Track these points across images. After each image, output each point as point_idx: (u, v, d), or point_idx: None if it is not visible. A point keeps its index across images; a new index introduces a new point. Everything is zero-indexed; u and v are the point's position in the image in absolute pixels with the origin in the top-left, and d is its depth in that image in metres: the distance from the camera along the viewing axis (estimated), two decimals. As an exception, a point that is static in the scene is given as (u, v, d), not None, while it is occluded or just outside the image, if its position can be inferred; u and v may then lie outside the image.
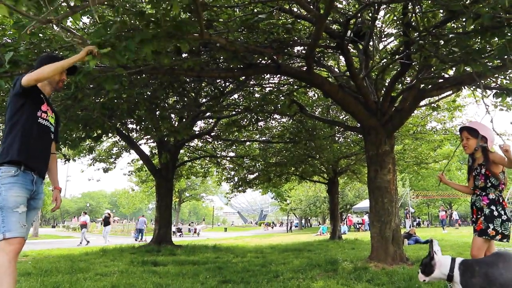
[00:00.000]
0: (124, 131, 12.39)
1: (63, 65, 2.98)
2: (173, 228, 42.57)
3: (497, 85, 7.34)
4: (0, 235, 2.74)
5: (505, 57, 4.89)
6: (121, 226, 41.90)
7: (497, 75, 6.97)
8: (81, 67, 4.21)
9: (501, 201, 3.61)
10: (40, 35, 4.78)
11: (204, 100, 10.78)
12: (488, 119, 3.94)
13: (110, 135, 13.40)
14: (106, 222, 20.22)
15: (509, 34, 4.36)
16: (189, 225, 43.04)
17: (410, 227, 26.21)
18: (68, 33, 3.98)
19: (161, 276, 5.84)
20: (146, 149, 19.58)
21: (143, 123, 9.22)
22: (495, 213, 3.56)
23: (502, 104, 7.84)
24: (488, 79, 7.24)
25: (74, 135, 8.45)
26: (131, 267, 7.06)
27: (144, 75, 7.11)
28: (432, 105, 9.48)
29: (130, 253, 10.36)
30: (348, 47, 7.05)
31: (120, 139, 15.03)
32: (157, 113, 8.80)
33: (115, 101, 7.47)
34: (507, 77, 7.36)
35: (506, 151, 3.36)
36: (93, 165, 17.01)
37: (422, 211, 49.68)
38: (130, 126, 11.55)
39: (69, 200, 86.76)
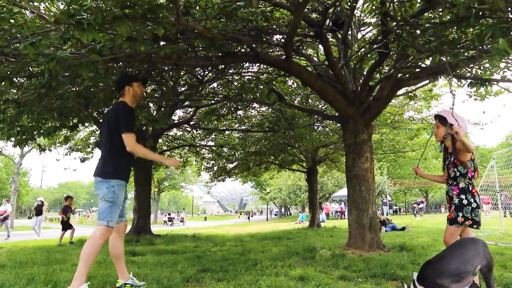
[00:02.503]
0: (101, 120, 12.18)
1: (151, 156, 4.13)
2: (165, 218, 42.65)
3: (472, 75, 7.47)
4: (105, 222, 3.71)
5: (479, 47, 4.98)
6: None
7: (471, 65, 7.10)
8: (54, 54, 4.12)
9: (470, 189, 3.72)
10: (12, 20, 4.63)
11: (182, 89, 10.67)
12: (461, 108, 4.02)
13: (86, 124, 13.18)
14: (38, 211, 16.93)
15: (477, 25, 4.42)
16: (177, 213, 43.21)
17: (387, 214, 26.70)
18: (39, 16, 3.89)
19: (139, 266, 5.80)
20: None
21: (120, 112, 9.07)
22: (465, 201, 3.68)
23: (476, 94, 8.00)
24: (464, 69, 7.36)
25: (49, 124, 8.26)
26: (109, 257, 6.98)
27: (120, 63, 6.97)
28: (409, 94, 9.59)
29: (107, 243, 10.25)
30: (327, 36, 7.05)
31: (97, 128, 14.79)
32: (135, 102, 8.66)
33: (91, 89, 7.32)
34: (481, 67, 7.50)
35: (456, 134, 3.49)
36: (70, 154, 16.73)
37: (399, 199, 50.66)
38: (107, 115, 11.35)
39: (45, 191, 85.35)
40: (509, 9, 4.07)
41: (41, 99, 6.71)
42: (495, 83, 7.03)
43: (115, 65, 7.08)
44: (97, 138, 16.33)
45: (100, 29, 4.01)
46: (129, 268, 5.47)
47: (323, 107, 12.39)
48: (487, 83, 6.80)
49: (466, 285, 2.93)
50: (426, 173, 4.45)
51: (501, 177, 12.47)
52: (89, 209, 67.00)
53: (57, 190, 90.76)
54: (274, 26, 6.73)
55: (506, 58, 6.59)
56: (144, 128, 13.53)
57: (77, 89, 7.07)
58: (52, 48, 4.49)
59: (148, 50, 5.36)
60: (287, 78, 10.37)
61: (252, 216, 62.96)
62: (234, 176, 18.74)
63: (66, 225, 11.70)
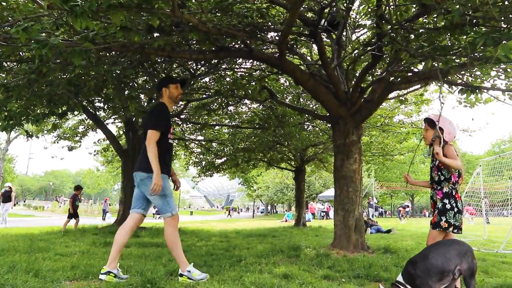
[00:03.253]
0: (91, 109, 12.07)
1: (153, 163, 3.99)
2: (154, 210, 42.52)
3: (463, 82, 7.54)
4: (169, 213, 4.16)
5: (471, 55, 5.02)
6: (85, 206, 41.18)
7: (463, 72, 7.16)
8: (46, 40, 4.06)
9: (454, 194, 3.79)
10: (3, 3, 4.56)
11: (174, 82, 10.59)
12: (451, 114, 4.08)
13: (76, 112, 13.05)
14: (6, 198, 15.90)
15: (471, 32, 4.45)
16: None
17: (372, 216, 26.90)
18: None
19: (123, 257, 5.76)
20: (113, 128, 19.15)
21: (111, 102, 8.99)
22: (448, 206, 3.74)
23: (466, 101, 8.07)
24: (455, 76, 7.42)
25: (38, 111, 8.16)
26: (93, 247, 6.94)
27: (113, 52, 6.91)
28: (400, 98, 9.65)
29: (92, 233, 10.18)
30: (322, 35, 7.05)
31: (86, 118, 14.66)
32: (126, 92, 8.60)
33: (82, 77, 7.24)
34: (472, 75, 7.57)
35: (437, 154, 3.63)
36: (57, 142, 16.56)
37: (385, 202, 51.06)
38: (97, 104, 11.26)
39: (31, 179, 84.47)
40: (503, 18, 4.11)
41: (31, 85, 6.62)
42: (485, 91, 7.10)
43: (108, 54, 7.01)
44: (86, 127, 16.19)
45: (94, 17, 3.97)
46: (113, 259, 5.45)
47: (314, 107, 12.41)
48: (477, 91, 6.87)
49: (446, 283, 2.96)
50: (415, 179, 4.46)
51: (486, 184, 12.64)
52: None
53: (43, 178, 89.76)
54: (269, 23, 6.72)
55: (497, 66, 6.67)
56: (134, 120, 13.44)
57: (68, 76, 6.99)
58: (44, 34, 4.42)
59: (142, 40, 5.32)
60: (279, 76, 10.37)
61: (238, 213, 62.72)
62: (222, 172, 18.70)
63: (72, 214, 11.97)
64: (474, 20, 4.29)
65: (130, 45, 5.50)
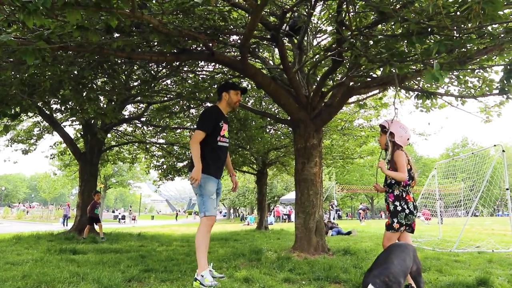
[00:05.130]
0: (47, 111, 11.66)
1: (195, 160, 4.16)
2: (119, 215, 41.72)
3: (419, 88, 7.79)
4: (202, 213, 4.25)
5: (425, 61, 5.19)
6: (40, 211, 39.71)
7: (419, 78, 7.39)
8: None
9: (404, 196, 3.95)
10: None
11: (135, 84, 10.40)
12: (408, 119, 4.23)
13: (30, 114, 12.57)
14: None
15: (420, 43, 4.60)
16: (130, 212, 42.99)
17: (333, 218, 27.33)
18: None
19: (79, 264, 5.58)
20: (71, 131, 18.56)
21: (68, 103, 8.70)
22: (399, 208, 3.92)
23: (422, 106, 8.34)
24: (411, 82, 7.65)
25: (-12, 112, 7.78)
26: (47, 255, 6.68)
27: (70, 52, 6.69)
28: (360, 102, 9.86)
29: (47, 240, 9.82)
30: (283, 40, 7.11)
31: (42, 119, 14.14)
32: (84, 93, 8.34)
33: (37, 77, 6.97)
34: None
35: (380, 168, 3.90)
36: (11, 146, 15.87)
37: (346, 204, 52.01)
38: (54, 106, 10.88)
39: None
40: (455, 27, 4.27)
41: (-19, 84, 6.31)
42: (440, 96, 7.36)
43: (64, 53, 6.79)
44: (41, 129, 15.60)
45: (49, 15, 3.82)
46: (68, 266, 5.27)
47: (276, 110, 12.49)
48: (432, 96, 7.11)
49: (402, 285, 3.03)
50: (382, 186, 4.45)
51: (441, 186, 13.10)
52: (29, 204, 64.02)
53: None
54: (231, 27, 6.70)
55: (450, 73, 6.92)
56: (92, 122, 13.08)
57: (21, 76, 6.71)
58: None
59: (100, 41, 5.18)
60: (241, 80, 10.37)
61: (194, 217, 62.03)
62: (184, 175, 18.49)
63: (93, 219, 11.40)
64: (429, 29, 4.44)
65: (88, 45, 5.34)
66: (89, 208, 11.48)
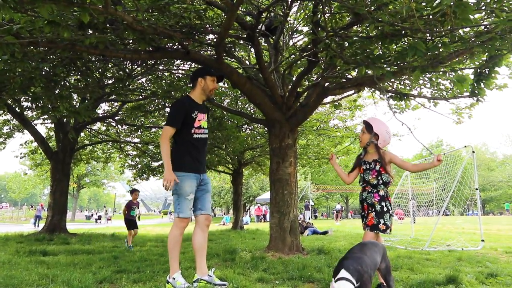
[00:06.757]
0: (17, 109, 11.35)
1: (164, 159, 3.86)
2: (95, 215, 41.14)
3: (393, 89, 7.91)
4: (176, 214, 4.00)
5: (401, 64, 5.27)
6: (10, 212, 38.70)
7: (393, 80, 7.51)
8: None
9: (388, 197, 3.92)
10: None
11: (109, 82, 10.23)
12: (389, 118, 4.26)
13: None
14: None
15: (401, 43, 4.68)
16: (105, 213, 42.63)
17: (309, 218, 27.50)
18: None
19: (49, 266, 5.44)
20: (42, 129, 18.14)
21: (39, 101, 8.47)
22: (385, 208, 3.88)
23: (396, 107, 8.49)
24: (386, 83, 7.77)
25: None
26: (15, 257, 6.49)
27: (41, 48, 6.53)
28: (335, 103, 9.95)
29: (16, 242, 9.56)
30: (259, 40, 7.10)
31: (12, 118, 13.76)
32: (56, 91, 8.15)
33: (7, 74, 6.77)
34: (402, 83, 7.97)
35: (438, 161, 3.71)
36: (-22, 144, 15.41)
37: (321, 204, 52.46)
38: (24, 103, 10.61)
39: None
40: (428, 30, 4.34)
41: None
42: (413, 98, 7.50)
43: (35, 50, 6.61)
44: (11, 128, 15.19)
45: (18, 8, 3.71)
46: (38, 268, 5.13)
47: (252, 110, 12.48)
48: (405, 98, 7.24)
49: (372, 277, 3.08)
50: (339, 166, 4.50)
51: (414, 186, 13.35)
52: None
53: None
54: (207, 25, 6.66)
55: (423, 76, 7.06)
56: (65, 120, 12.81)
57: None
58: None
59: (72, 37, 5.06)
60: (223, 79, 10.31)
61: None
62: (159, 175, 18.31)
63: (131, 223, 9.48)
64: (403, 31, 4.50)
65: (60, 41, 5.22)
66: (124, 209, 9.85)
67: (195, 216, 4.22)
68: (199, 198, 4.15)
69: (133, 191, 9.77)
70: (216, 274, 4.60)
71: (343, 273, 2.80)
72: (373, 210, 3.95)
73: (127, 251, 8.06)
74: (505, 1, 4.08)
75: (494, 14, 4.25)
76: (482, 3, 4.10)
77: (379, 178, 3.97)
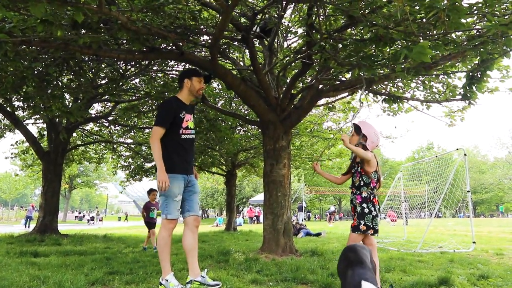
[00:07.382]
0: (8, 108, 11.26)
1: (156, 160, 3.85)
2: (88, 216, 40.88)
3: (386, 92, 7.96)
4: (164, 215, 3.99)
5: (394, 66, 5.30)
6: (-1, 213, 38.43)
7: (386, 82, 7.56)
8: None
9: (372, 198, 3.98)
10: None
11: (102, 82, 10.18)
12: (375, 122, 4.29)
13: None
14: None
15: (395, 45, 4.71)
16: (97, 213, 42.37)
17: (302, 220, 27.54)
18: None
19: (40, 268, 5.40)
20: (34, 129, 18.01)
21: (31, 100, 8.41)
22: (366, 210, 3.93)
23: (389, 109, 8.53)
24: (379, 86, 7.81)
25: None
26: (6, 258, 6.44)
27: (33, 48, 6.48)
28: (329, 105, 9.99)
29: (7, 243, 9.47)
30: (254, 41, 7.11)
31: (3, 117, 13.65)
32: (49, 91, 8.09)
33: (-1, 73, 6.72)
34: (395, 85, 8.02)
35: (342, 140, 3.87)
36: (-32, 144, 15.24)
37: (314, 205, 52.55)
38: (16, 103, 10.53)
39: None
40: (421, 33, 4.38)
41: None
42: (406, 101, 7.55)
43: (27, 49, 6.57)
44: (2, 127, 15.06)
45: (10, 7, 3.68)
46: (29, 270, 5.09)
47: (246, 112, 12.48)
48: (398, 100, 7.28)
49: None
50: (325, 172, 4.63)
51: (406, 188, 13.41)
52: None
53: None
54: (202, 26, 6.66)
55: (416, 78, 7.11)
56: (57, 120, 12.74)
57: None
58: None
59: (65, 36, 5.03)
60: (211, 80, 10.31)
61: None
62: (152, 176, 18.24)
63: (150, 225, 9.14)
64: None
65: (53, 41, 5.19)
66: (142, 211, 9.46)
67: (184, 218, 4.20)
68: (187, 199, 4.15)
69: (151, 191, 9.23)
70: (209, 276, 4.60)
71: (367, 285, 2.73)
72: (356, 211, 4.03)
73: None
74: (496, 6, 4.12)
75: (486, 19, 4.29)
76: (474, 8, 4.14)
77: (361, 179, 4.03)
